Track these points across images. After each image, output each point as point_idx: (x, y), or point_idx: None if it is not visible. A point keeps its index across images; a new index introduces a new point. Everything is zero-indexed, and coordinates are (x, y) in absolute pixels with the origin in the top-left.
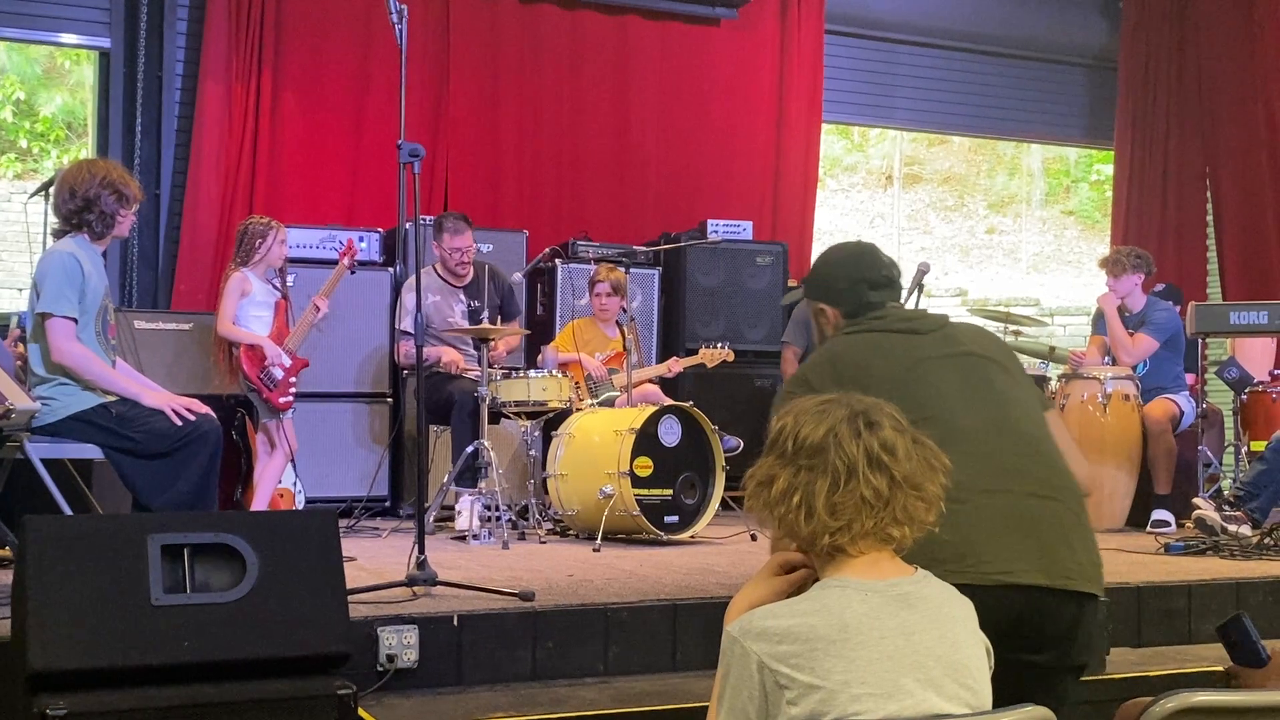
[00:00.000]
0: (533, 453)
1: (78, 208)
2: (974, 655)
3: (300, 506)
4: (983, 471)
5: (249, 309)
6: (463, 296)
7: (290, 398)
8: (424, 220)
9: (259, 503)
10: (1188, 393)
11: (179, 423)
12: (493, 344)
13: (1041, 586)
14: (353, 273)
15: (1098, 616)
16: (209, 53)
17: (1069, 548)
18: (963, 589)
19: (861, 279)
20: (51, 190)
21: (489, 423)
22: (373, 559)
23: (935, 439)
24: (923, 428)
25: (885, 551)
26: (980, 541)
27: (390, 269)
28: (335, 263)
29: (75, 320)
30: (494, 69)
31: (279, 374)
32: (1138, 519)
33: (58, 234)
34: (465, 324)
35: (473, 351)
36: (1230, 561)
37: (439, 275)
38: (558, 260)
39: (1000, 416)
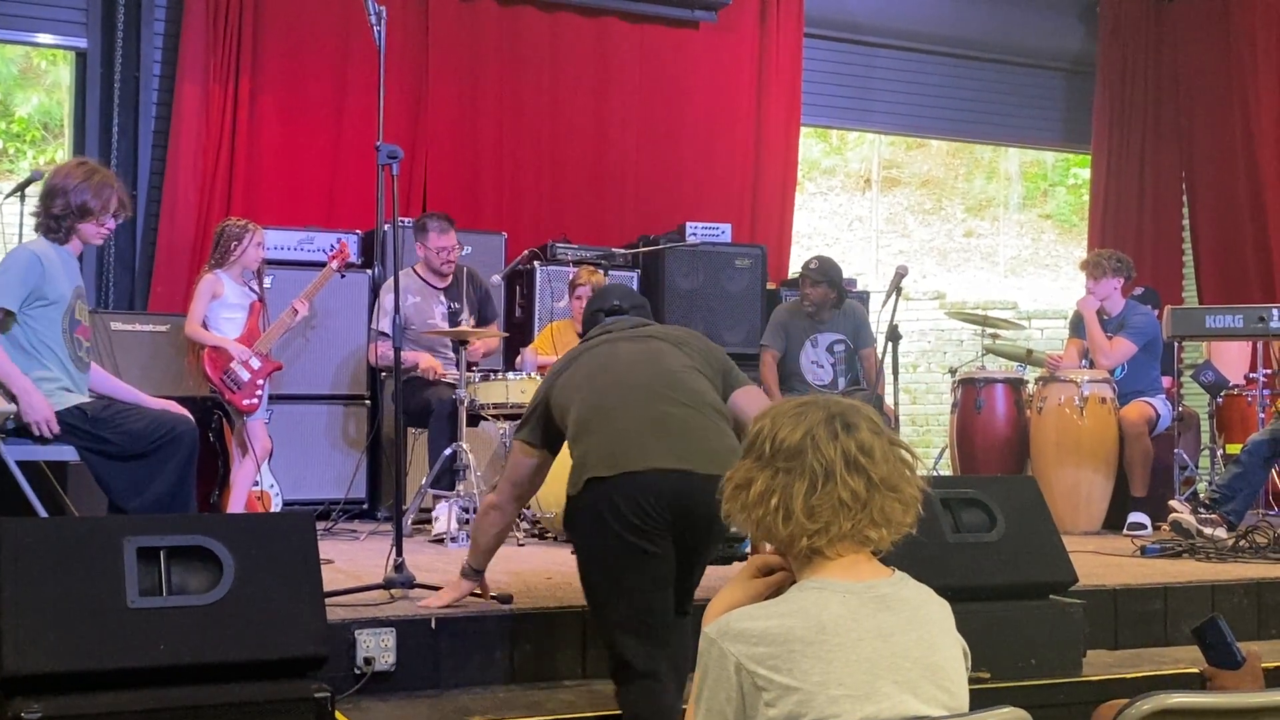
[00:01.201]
0: None
1: (38, 207)
2: (951, 657)
3: (277, 509)
4: (639, 403)
5: (221, 311)
6: (443, 298)
7: (256, 400)
8: (403, 222)
9: (234, 505)
10: (1164, 396)
11: (36, 434)
12: (470, 345)
13: (682, 470)
14: (342, 276)
15: None
16: (186, 54)
17: (701, 440)
18: (623, 478)
19: (599, 309)
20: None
21: (467, 425)
22: (350, 561)
23: (607, 384)
24: (599, 377)
25: (863, 553)
26: (628, 443)
27: (369, 271)
28: (313, 264)
29: (7, 310)
30: (473, 71)
31: (245, 376)
32: (1114, 522)
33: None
34: (444, 325)
35: (451, 354)
36: (1206, 564)
37: (419, 276)
38: (536, 262)
39: (661, 372)
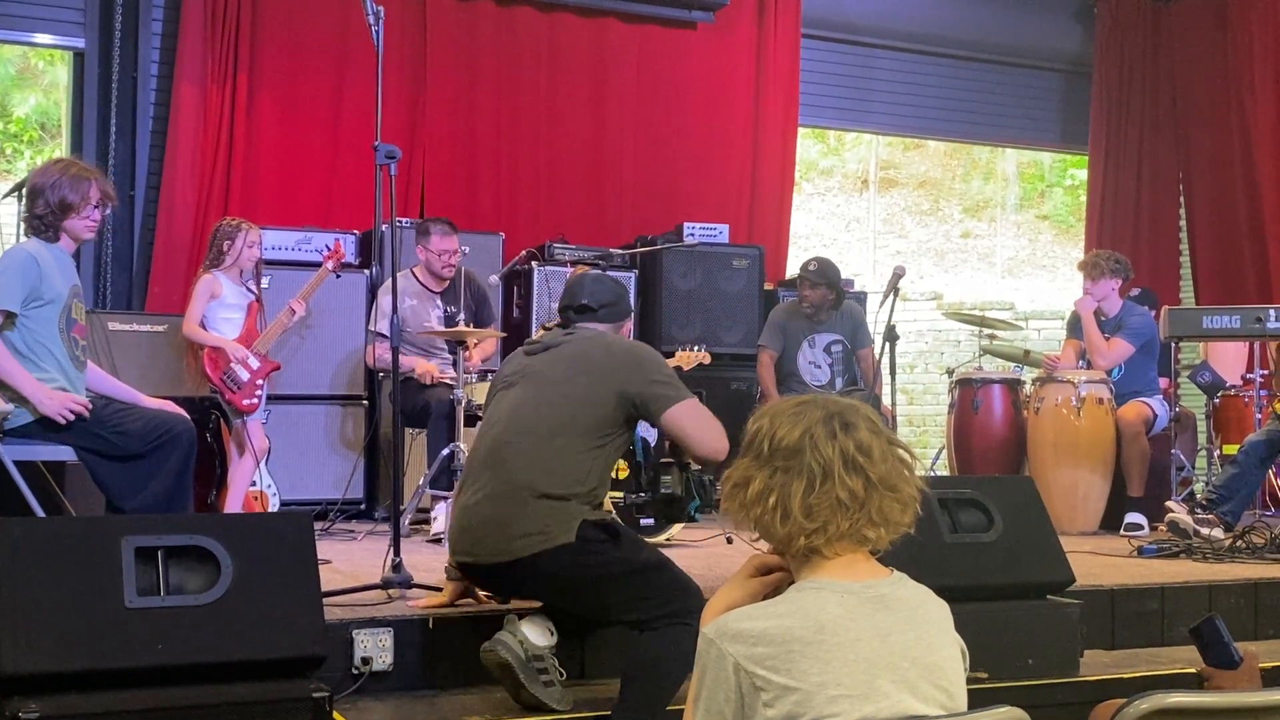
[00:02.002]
0: None
1: (24, 210)
2: (949, 657)
3: (275, 509)
4: (475, 476)
5: (219, 311)
6: (439, 302)
7: (256, 400)
8: (400, 223)
9: (230, 506)
10: (1161, 396)
11: (61, 421)
12: (468, 352)
13: (469, 563)
14: (338, 276)
15: (549, 564)
16: (184, 54)
17: (497, 528)
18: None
19: (568, 306)
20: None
21: (465, 425)
22: (348, 562)
23: (484, 441)
24: (486, 426)
25: (861, 553)
26: (454, 526)
27: (366, 271)
28: (311, 264)
29: (9, 313)
30: (471, 71)
31: (244, 375)
32: (1111, 522)
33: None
34: (440, 329)
35: (448, 355)
36: (1203, 564)
37: (417, 279)
38: (534, 263)
39: (521, 433)
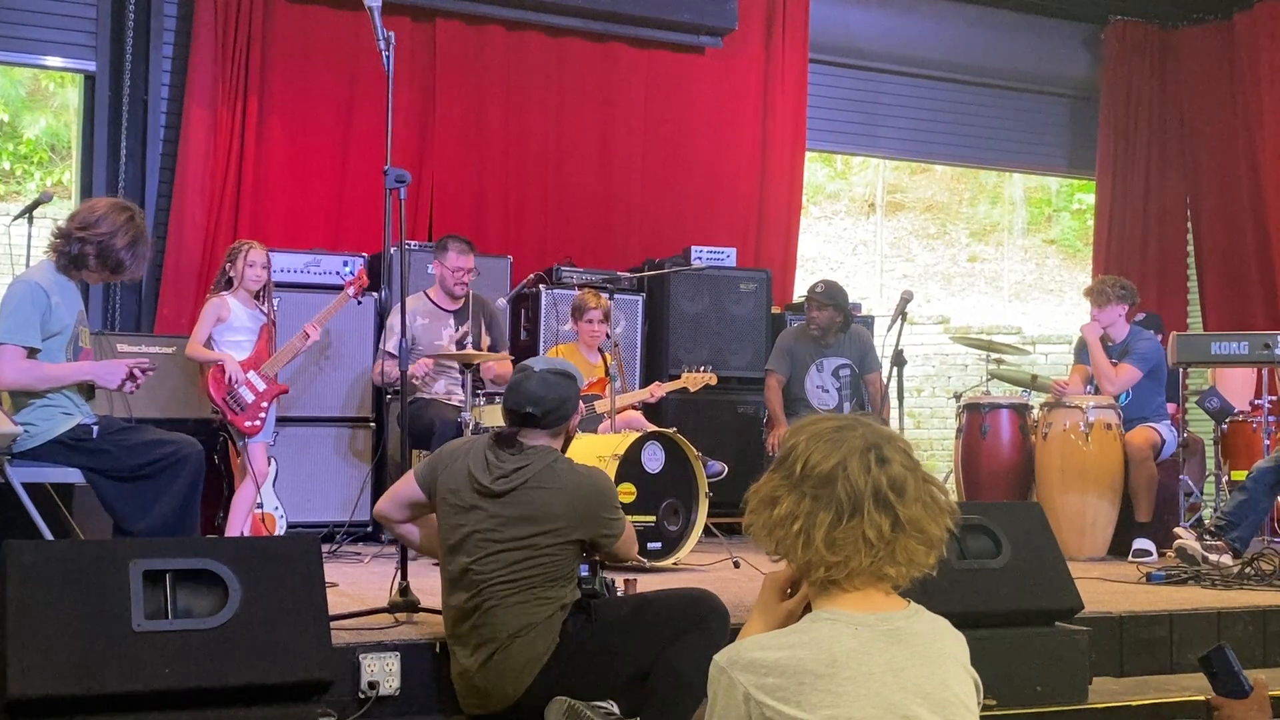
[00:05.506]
0: None
1: (65, 232)
2: (963, 692)
3: (281, 531)
4: (464, 633)
5: (227, 334)
6: (452, 321)
7: (258, 422)
8: (410, 245)
9: (231, 529)
10: (1169, 422)
11: (140, 380)
12: (486, 365)
13: (488, 714)
14: (359, 303)
15: (556, 672)
16: (194, 77)
17: (495, 683)
18: None
19: (511, 408)
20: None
21: None
22: (355, 585)
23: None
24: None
25: (879, 586)
26: (460, 694)
27: (375, 294)
28: (320, 287)
29: (34, 349)
30: (480, 95)
31: (249, 397)
32: (1119, 548)
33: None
34: (453, 348)
35: (457, 374)
36: (1211, 591)
37: (430, 299)
38: (542, 286)
39: (490, 588)
